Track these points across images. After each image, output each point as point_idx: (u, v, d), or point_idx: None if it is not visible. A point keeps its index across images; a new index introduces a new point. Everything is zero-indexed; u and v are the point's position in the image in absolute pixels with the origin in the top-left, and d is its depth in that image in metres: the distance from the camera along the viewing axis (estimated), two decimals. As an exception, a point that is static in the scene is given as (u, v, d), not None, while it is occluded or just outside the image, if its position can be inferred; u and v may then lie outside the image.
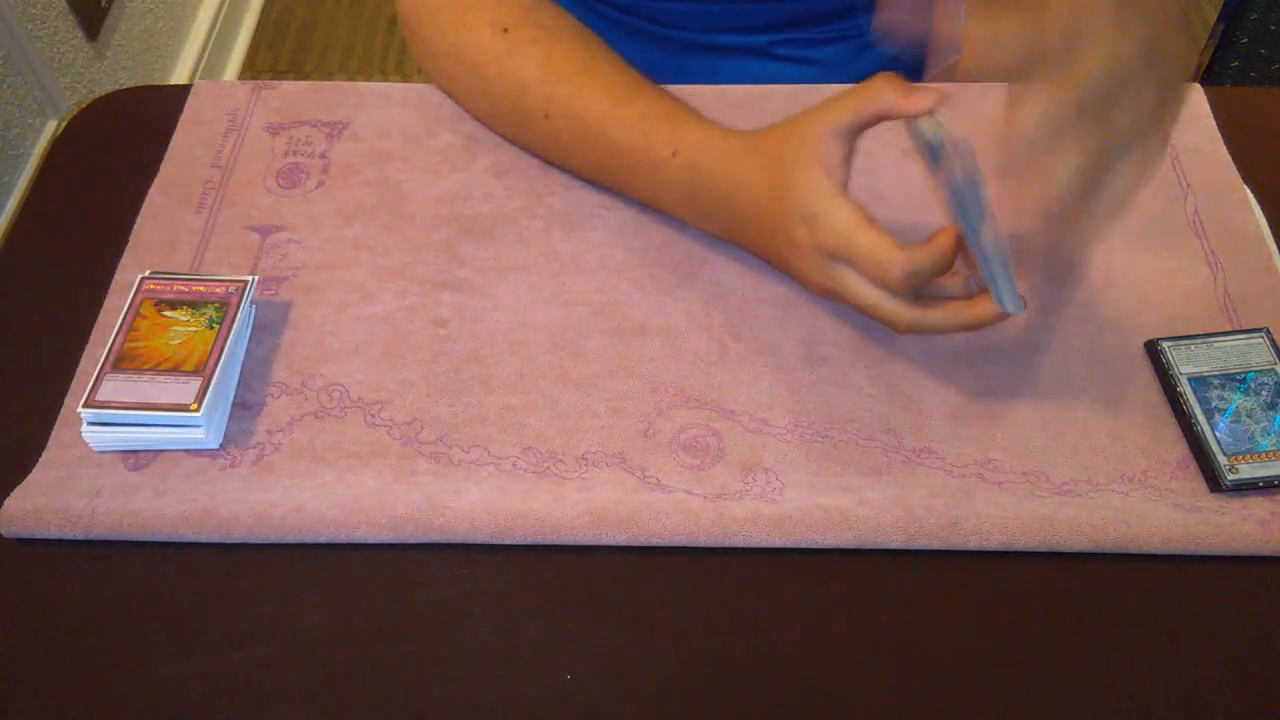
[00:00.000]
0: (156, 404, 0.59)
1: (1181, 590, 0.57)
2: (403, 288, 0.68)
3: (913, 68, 0.92)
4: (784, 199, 0.58)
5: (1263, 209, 0.69)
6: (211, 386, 0.60)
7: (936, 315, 0.57)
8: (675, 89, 0.78)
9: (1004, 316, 0.56)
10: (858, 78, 0.81)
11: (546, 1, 0.70)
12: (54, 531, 0.58)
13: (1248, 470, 0.59)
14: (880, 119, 0.56)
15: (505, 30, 0.68)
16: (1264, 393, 0.61)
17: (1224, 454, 0.59)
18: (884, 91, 0.55)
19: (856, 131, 0.57)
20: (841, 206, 0.56)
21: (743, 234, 0.65)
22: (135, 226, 0.71)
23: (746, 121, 0.76)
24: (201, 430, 0.60)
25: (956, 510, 0.58)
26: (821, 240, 0.57)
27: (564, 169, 0.72)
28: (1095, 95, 0.49)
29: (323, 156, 0.75)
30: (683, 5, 0.82)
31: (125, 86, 0.85)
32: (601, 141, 0.66)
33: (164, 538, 0.58)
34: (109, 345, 0.61)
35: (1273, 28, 1.14)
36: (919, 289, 0.57)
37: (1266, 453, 0.59)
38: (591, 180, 0.71)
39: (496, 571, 0.58)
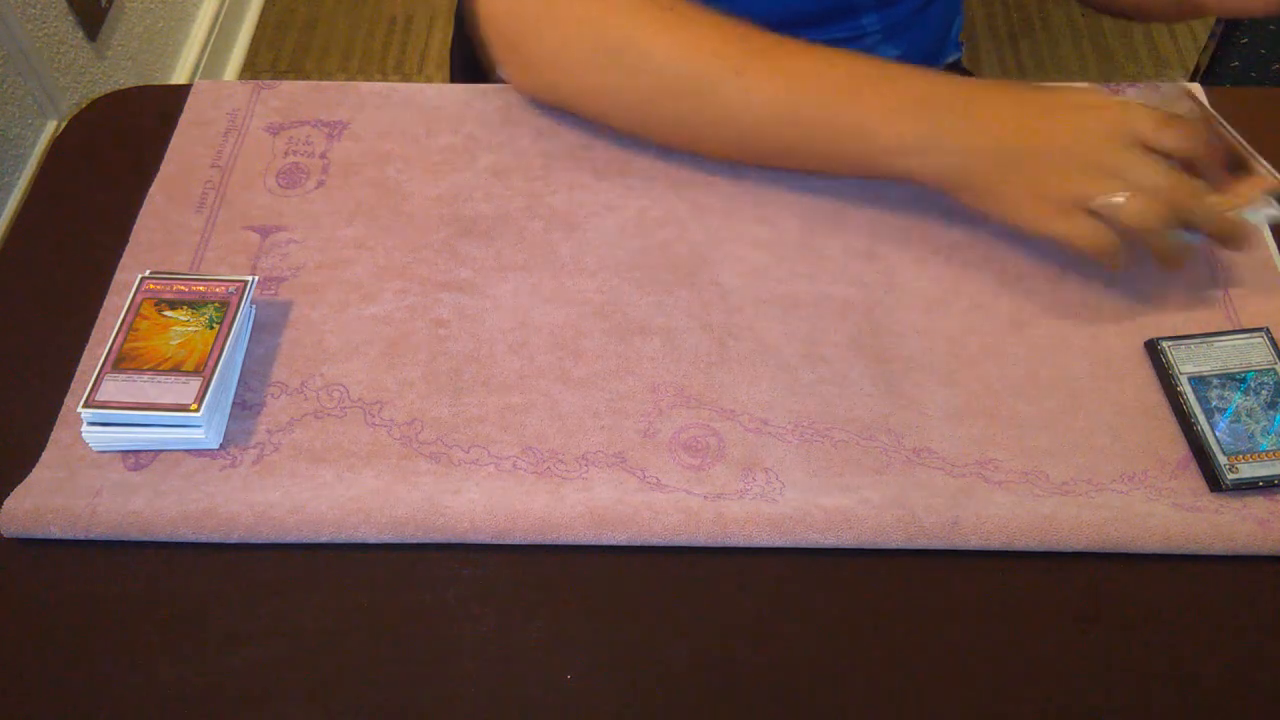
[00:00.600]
0: (156, 404, 0.59)
1: (1181, 590, 0.57)
2: (403, 288, 0.68)
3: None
4: (1047, 108, 0.61)
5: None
6: (211, 386, 0.60)
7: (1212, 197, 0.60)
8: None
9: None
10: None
11: None
12: (54, 531, 0.58)
13: (1248, 470, 0.59)
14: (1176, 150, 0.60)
15: (670, 7, 0.65)
16: (1264, 392, 0.61)
17: (1224, 453, 0.59)
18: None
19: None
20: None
21: (974, 151, 0.62)
22: (135, 226, 0.71)
23: (746, 121, 0.76)
24: (201, 430, 0.60)
25: (956, 510, 0.58)
26: (1108, 117, 0.59)
27: (738, 136, 0.68)
28: None
29: (323, 156, 0.75)
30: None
31: (125, 86, 0.85)
32: (808, 77, 0.63)
33: (164, 538, 0.58)
34: (109, 345, 0.61)
35: (1272, 28, 1.14)
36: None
37: (1266, 452, 0.59)
38: (771, 139, 0.66)
39: (496, 571, 0.58)
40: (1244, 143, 0.67)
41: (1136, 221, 0.59)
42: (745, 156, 0.70)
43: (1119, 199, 0.59)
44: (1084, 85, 0.63)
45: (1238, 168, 0.65)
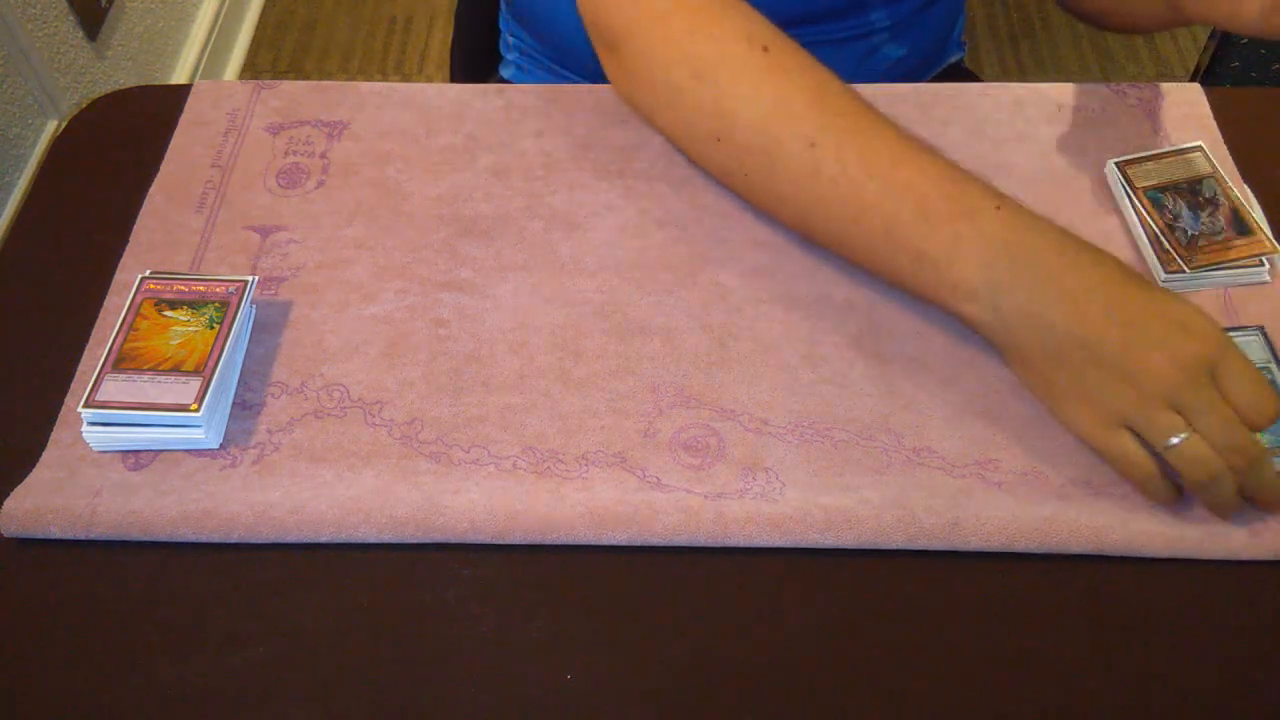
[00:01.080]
0: (156, 404, 0.59)
1: (1181, 590, 0.57)
2: (403, 288, 0.68)
3: (916, 70, 0.92)
4: (1138, 309, 0.53)
5: (1263, 209, 0.69)
6: (211, 386, 0.60)
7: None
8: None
9: None
10: (859, 81, 0.81)
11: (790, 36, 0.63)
12: (54, 531, 0.58)
13: None
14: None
15: (765, 49, 0.61)
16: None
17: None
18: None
19: None
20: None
21: (1040, 326, 0.54)
22: (135, 226, 0.71)
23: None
24: (201, 430, 0.60)
25: (956, 510, 0.58)
26: (1197, 349, 0.51)
27: (790, 213, 0.64)
28: None
29: (323, 156, 0.75)
30: None
31: (125, 86, 0.85)
32: (887, 182, 0.57)
33: (164, 538, 0.58)
34: (109, 345, 0.61)
35: (1273, 28, 1.14)
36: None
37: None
38: (826, 230, 0.62)
39: (496, 571, 0.58)
40: (1252, 203, 0.68)
41: (1187, 468, 0.53)
42: (809, 234, 0.64)
43: (1175, 440, 0.53)
44: (1175, 294, 0.54)
45: (1242, 227, 0.66)
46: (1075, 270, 0.55)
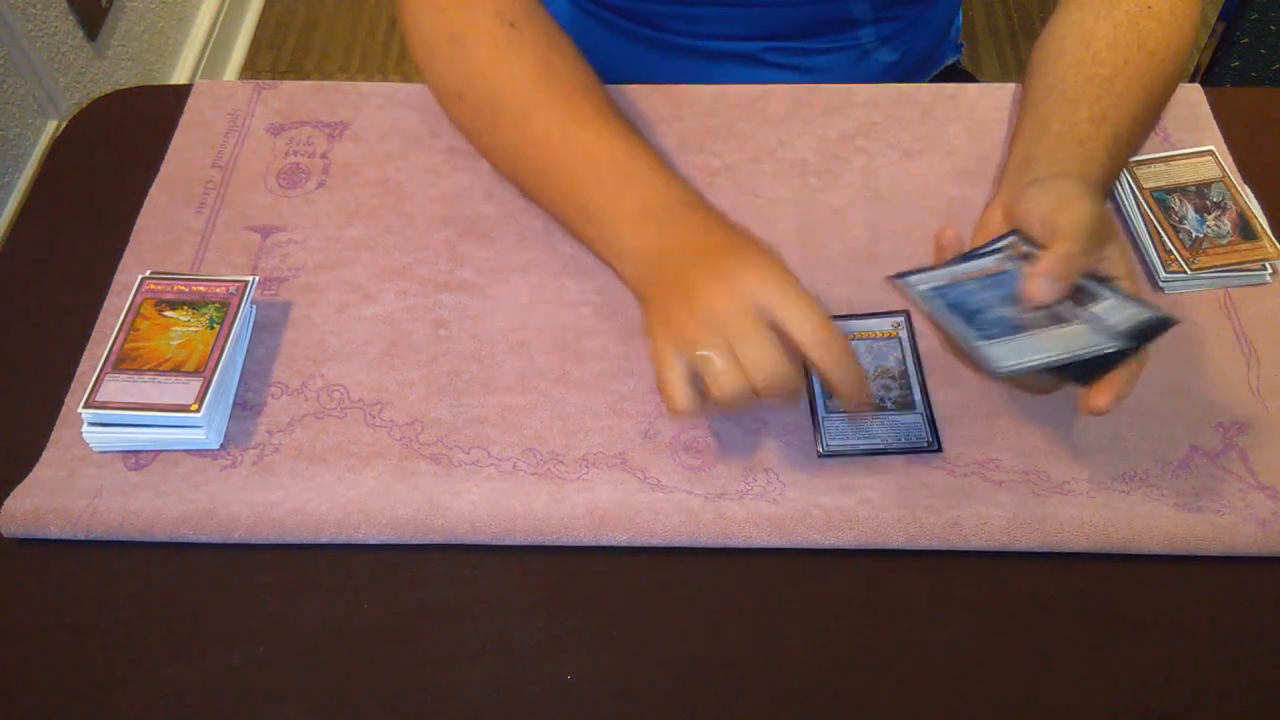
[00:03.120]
0: (157, 404, 0.59)
1: (1181, 590, 0.57)
2: (403, 288, 0.68)
3: (911, 72, 0.92)
4: (750, 242, 0.59)
5: (1263, 209, 0.69)
6: (212, 387, 0.60)
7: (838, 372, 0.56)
8: (673, 90, 0.78)
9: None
10: (855, 82, 0.81)
11: (548, 13, 0.70)
12: (54, 531, 0.58)
13: None
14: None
15: (512, 25, 0.67)
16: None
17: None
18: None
19: None
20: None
21: (667, 263, 0.60)
22: (136, 226, 0.71)
23: (748, 121, 0.76)
24: (202, 430, 0.60)
25: (957, 510, 0.58)
26: (751, 286, 0.55)
27: (507, 167, 0.71)
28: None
29: (323, 157, 0.75)
30: (673, 9, 0.82)
31: (125, 86, 0.85)
32: (576, 146, 0.64)
33: (164, 538, 0.58)
34: (109, 345, 0.61)
35: (1273, 28, 1.14)
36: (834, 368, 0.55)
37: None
38: (528, 184, 0.69)
39: (496, 571, 0.58)
40: (1255, 208, 0.68)
41: (712, 386, 0.55)
42: (526, 191, 0.71)
43: (708, 355, 0.55)
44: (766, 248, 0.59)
45: (1247, 231, 0.66)
46: (683, 216, 0.61)
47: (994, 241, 0.59)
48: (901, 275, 0.59)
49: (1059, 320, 0.54)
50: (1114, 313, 0.54)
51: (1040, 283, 0.54)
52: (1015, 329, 0.55)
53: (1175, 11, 0.68)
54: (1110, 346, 0.52)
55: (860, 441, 0.60)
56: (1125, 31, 0.67)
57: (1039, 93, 0.68)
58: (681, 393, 0.55)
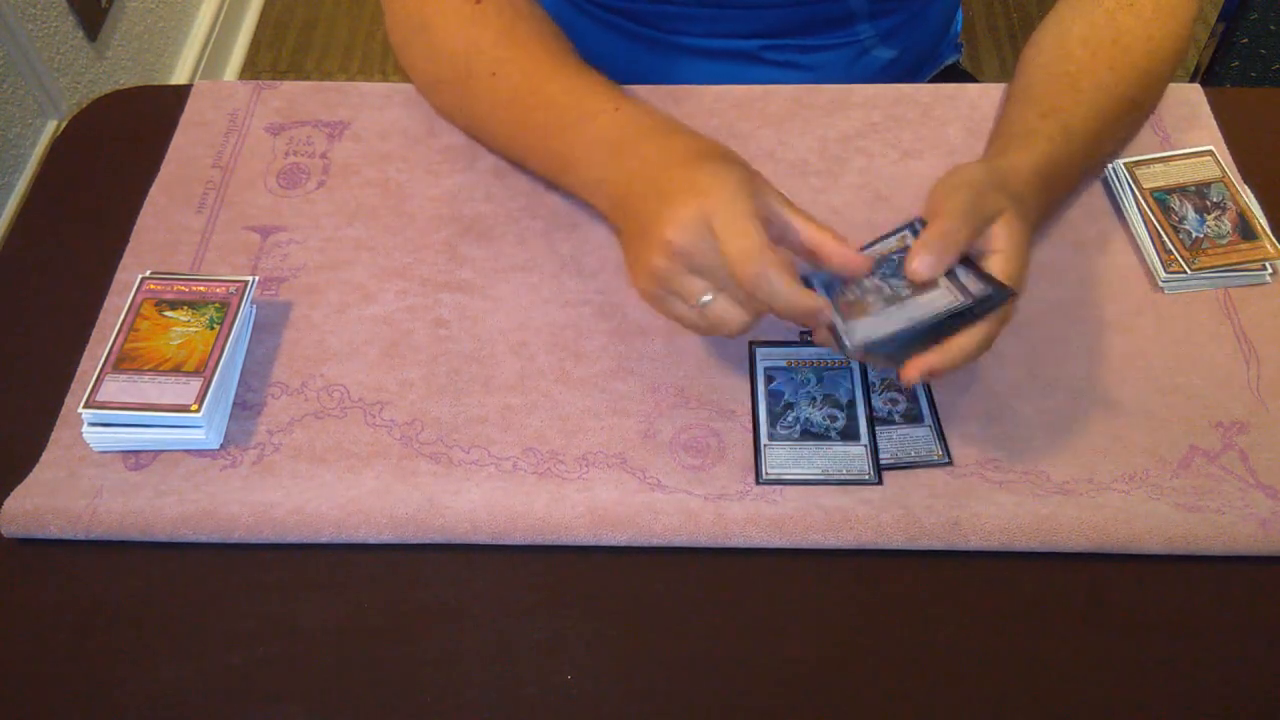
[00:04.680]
0: (157, 404, 0.59)
1: (1181, 590, 0.57)
2: (403, 288, 0.68)
3: (911, 70, 0.92)
4: (702, 165, 0.57)
5: (1263, 209, 0.69)
6: (212, 387, 0.60)
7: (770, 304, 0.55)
8: (673, 90, 0.78)
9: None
10: (851, 82, 0.81)
11: None
12: (54, 531, 0.58)
13: None
14: (803, 246, 0.56)
15: (477, 2, 0.69)
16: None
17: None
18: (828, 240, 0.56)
19: (769, 215, 0.56)
20: (746, 198, 0.54)
21: (637, 185, 0.59)
22: (136, 226, 0.71)
23: (748, 121, 0.76)
24: (202, 431, 0.60)
25: (957, 510, 0.58)
26: (695, 209, 0.54)
27: (489, 137, 0.73)
28: None
29: (323, 157, 0.75)
30: (671, 8, 0.82)
31: (125, 86, 0.85)
32: (540, 96, 0.66)
33: (164, 538, 0.58)
34: (109, 345, 0.61)
35: (1273, 28, 1.14)
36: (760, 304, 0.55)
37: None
38: (509, 147, 0.71)
39: (496, 571, 0.58)
40: (1255, 208, 0.68)
41: (717, 325, 0.56)
42: (508, 152, 0.73)
43: (706, 299, 0.55)
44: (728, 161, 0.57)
45: (1247, 230, 0.67)
46: (641, 145, 0.61)
47: (896, 228, 0.59)
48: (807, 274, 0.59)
49: (919, 295, 0.55)
50: (962, 285, 0.55)
51: (919, 258, 0.54)
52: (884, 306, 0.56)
53: (1159, 7, 0.68)
54: (934, 317, 0.53)
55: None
56: (1101, 29, 0.68)
57: (1010, 95, 0.70)
58: (696, 319, 0.56)
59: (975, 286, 0.54)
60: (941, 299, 0.55)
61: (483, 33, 0.68)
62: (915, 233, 0.57)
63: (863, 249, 0.59)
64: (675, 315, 0.57)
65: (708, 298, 0.55)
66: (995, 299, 0.54)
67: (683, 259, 0.54)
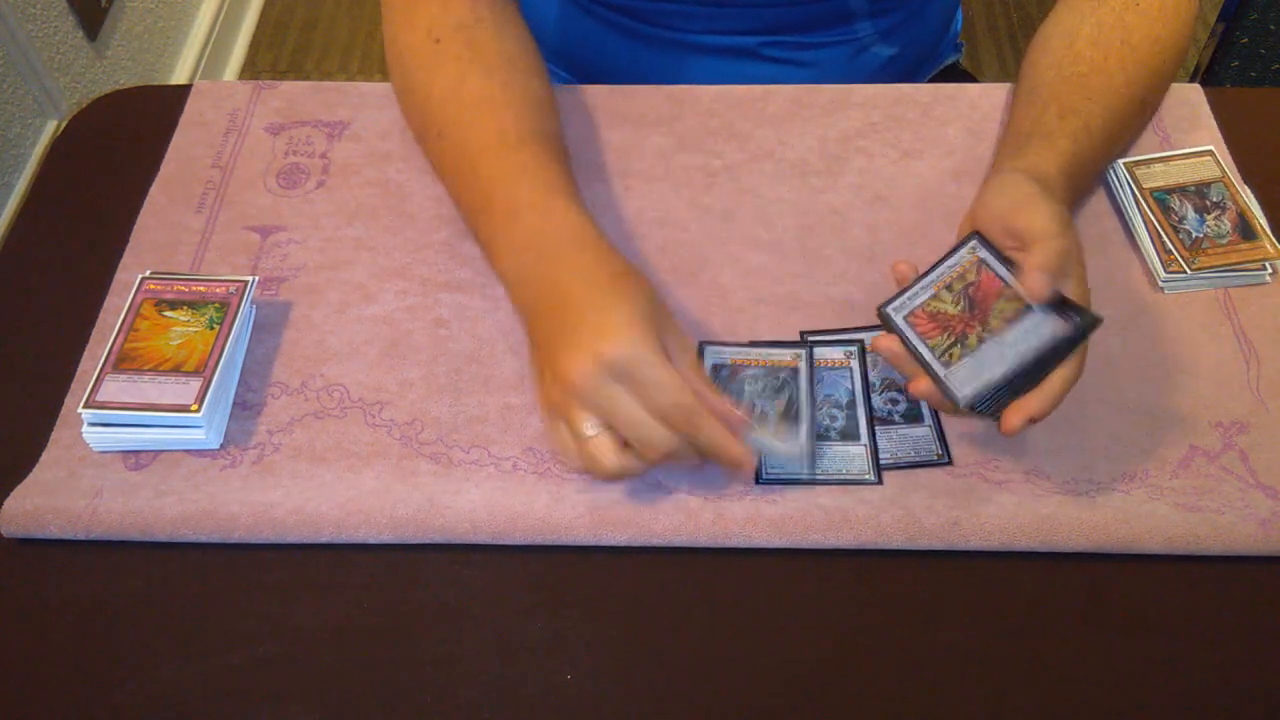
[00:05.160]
0: (157, 404, 0.59)
1: (1181, 590, 0.57)
2: (403, 288, 0.68)
3: (911, 69, 0.92)
4: (609, 300, 0.55)
5: (1263, 209, 0.69)
6: (212, 387, 0.60)
7: (696, 446, 0.55)
8: (673, 89, 0.78)
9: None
10: (851, 79, 0.81)
11: (492, 24, 0.68)
12: (54, 531, 0.58)
13: None
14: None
15: (437, 41, 0.67)
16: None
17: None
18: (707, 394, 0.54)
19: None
20: (652, 340, 0.54)
21: (548, 307, 0.57)
22: (135, 226, 0.71)
23: (748, 121, 0.76)
24: (202, 431, 0.60)
25: (956, 510, 0.58)
26: (609, 353, 0.53)
27: (443, 185, 0.70)
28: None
29: (323, 157, 0.75)
30: (671, 6, 0.82)
31: (125, 86, 0.85)
32: (474, 176, 0.64)
33: (164, 538, 0.58)
34: (109, 345, 0.61)
35: (1273, 28, 1.14)
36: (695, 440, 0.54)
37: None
38: (463, 217, 0.67)
39: (496, 571, 0.58)
40: (1255, 208, 0.68)
41: (594, 461, 0.54)
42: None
43: (591, 432, 0.54)
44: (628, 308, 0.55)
45: (1248, 230, 0.67)
46: (562, 259, 0.58)
47: (955, 248, 0.59)
48: (883, 305, 0.59)
49: (1005, 333, 0.55)
50: (1050, 313, 0.54)
51: (1036, 277, 0.54)
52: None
53: (1165, 6, 0.68)
54: (1041, 346, 0.53)
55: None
56: (1109, 29, 0.68)
57: (1019, 96, 0.70)
58: (575, 451, 0.55)
59: (1065, 314, 0.53)
60: (1044, 327, 0.53)
61: (435, 81, 0.67)
62: (974, 254, 0.57)
63: (923, 277, 0.59)
64: (557, 440, 0.56)
65: (592, 431, 0.54)
66: (1093, 322, 0.53)
67: (577, 396, 0.53)
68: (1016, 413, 0.54)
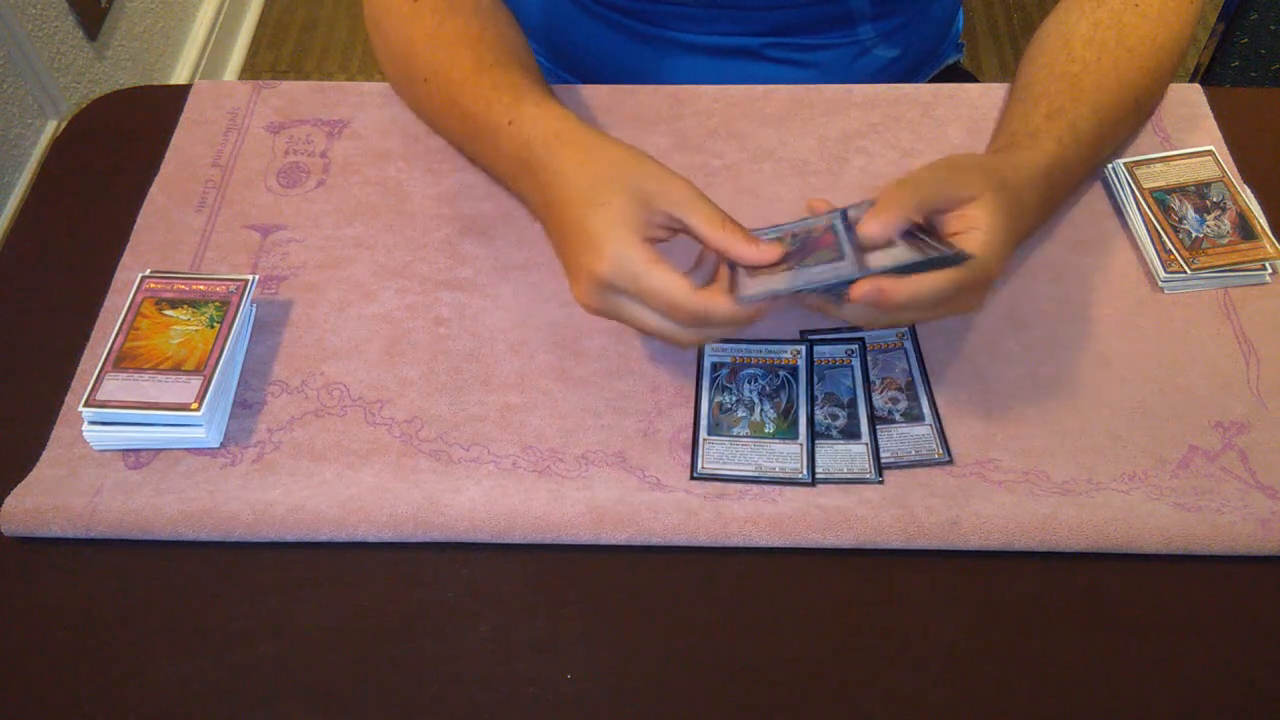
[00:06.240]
0: (157, 403, 0.59)
1: (1181, 590, 0.57)
2: (403, 286, 0.68)
3: (911, 69, 0.92)
4: (588, 211, 0.57)
5: (1263, 209, 0.69)
6: (212, 386, 0.60)
7: (716, 332, 0.58)
8: (673, 89, 0.78)
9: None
10: (852, 81, 0.81)
11: None
12: (54, 530, 0.58)
13: None
14: (711, 245, 0.57)
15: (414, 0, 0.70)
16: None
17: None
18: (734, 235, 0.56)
19: (670, 224, 0.57)
20: (635, 246, 0.55)
21: (548, 219, 0.61)
22: (136, 226, 0.71)
23: (748, 121, 0.76)
24: (202, 429, 0.60)
25: (956, 510, 0.58)
26: (604, 271, 0.55)
27: (446, 139, 0.74)
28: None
29: (323, 155, 0.75)
30: (674, 8, 0.82)
31: (125, 86, 0.85)
32: (457, 107, 0.67)
33: (164, 536, 0.58)
34: (109, 344, 0.61)
35: (1273, 28, 1.14)
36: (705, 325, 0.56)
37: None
38: (461, 150, 0.73)
39: (496, 571, 0.58)
40: (1255, 208, 0.68)
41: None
42: (448, 141, 0.75)
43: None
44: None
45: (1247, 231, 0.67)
46: (550, 180, 0.61)
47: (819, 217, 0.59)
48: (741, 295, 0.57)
49: (874, 254, 0.55)
50: (919, 246, 0.55)
51: (873, 222, 0.55)
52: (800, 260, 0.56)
53: (1164, 8, 0.68)
54: (888, 268, 0.53)
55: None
56: (1105, 29, 0.68)
57: (1012, 93, 0.70)
58: (681, 331, 0.57)
59: (931, 248, 0.54)
60: (899, 254, 0.55)
61: (416, 33, 0.70)
62: (833, 219, 0.58)
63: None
64: (625, 320, 0.58)
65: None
66: (949, 259, 0.53)
67: (592, 312, 0.58)
68: (867, 281, 0.53)
